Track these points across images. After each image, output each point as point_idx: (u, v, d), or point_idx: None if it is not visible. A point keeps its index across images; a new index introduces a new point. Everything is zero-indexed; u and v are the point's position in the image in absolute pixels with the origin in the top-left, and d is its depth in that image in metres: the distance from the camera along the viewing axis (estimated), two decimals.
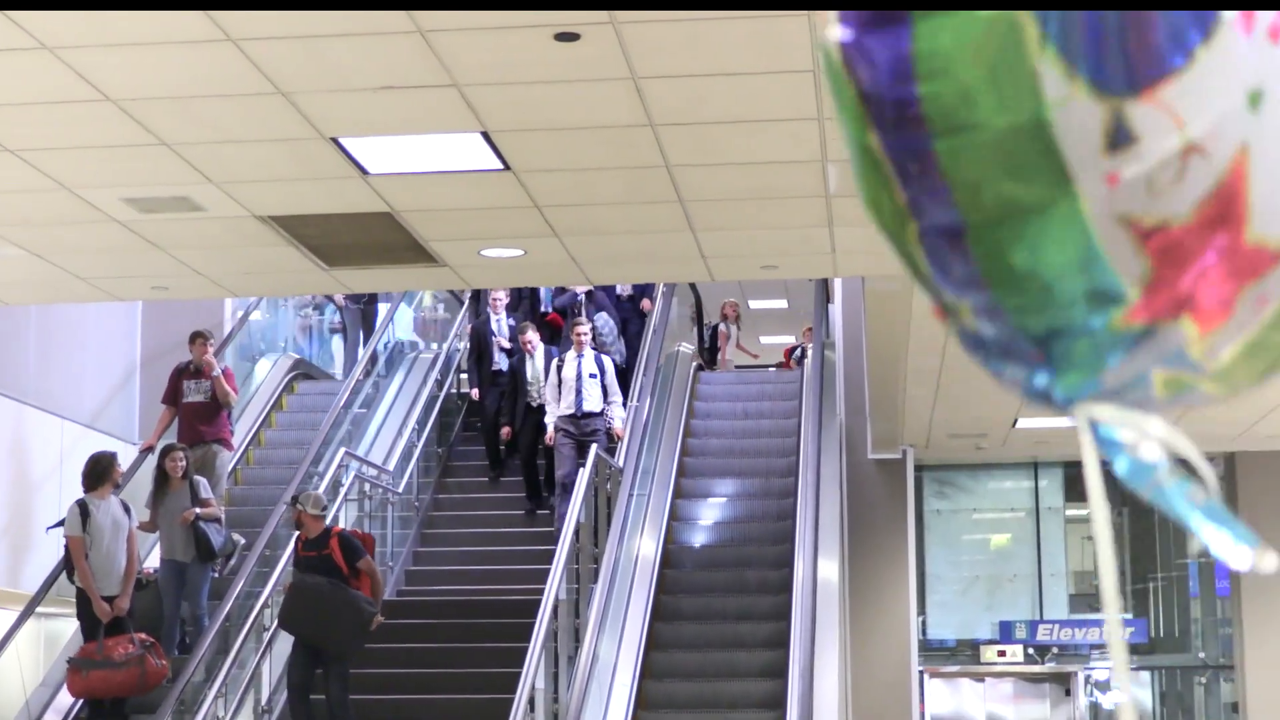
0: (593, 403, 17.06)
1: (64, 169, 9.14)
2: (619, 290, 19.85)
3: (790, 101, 8.05)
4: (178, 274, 11.41)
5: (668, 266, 11.98)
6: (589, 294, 19.26)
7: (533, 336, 17.95)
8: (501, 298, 18.77)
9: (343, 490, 15.86)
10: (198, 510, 14.27)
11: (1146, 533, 22.01)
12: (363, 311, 20.49)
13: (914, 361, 14.33)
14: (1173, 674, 21.48)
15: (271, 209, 9.90)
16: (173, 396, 15.92)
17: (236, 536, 14.75)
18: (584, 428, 16.98)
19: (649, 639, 14.38)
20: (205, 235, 10.45)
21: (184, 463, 14.50)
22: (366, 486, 16.44)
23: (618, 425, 17.07)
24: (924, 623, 20.72)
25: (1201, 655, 20.91)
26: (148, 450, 15.65)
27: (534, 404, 17.78)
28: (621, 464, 16.17)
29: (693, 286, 21.69)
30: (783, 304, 26.41)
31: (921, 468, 20.27)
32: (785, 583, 14.75)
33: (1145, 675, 21.60)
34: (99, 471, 13.73)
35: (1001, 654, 20.63)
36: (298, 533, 13.40)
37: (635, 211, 9.96)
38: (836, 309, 19.13)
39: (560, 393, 17.12)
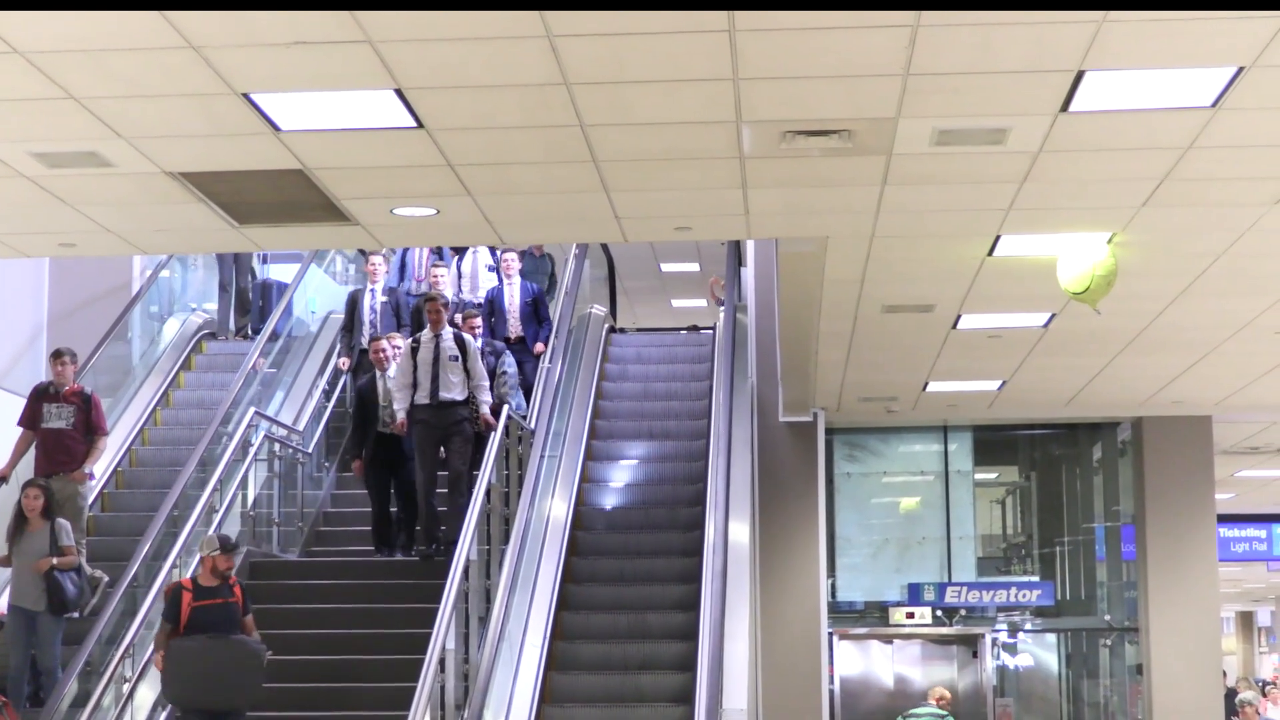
0: (453, 390, 15.03)
1: None
2: (509, 332, 18.02)
3: (706, 62, 8.03)
4: (86, 230, 11.28)
5: (581, 227, 11.95)
6: (489, 345, 16.76)
7: (387, 346, 15.81)
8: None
9: (252, 450, 15.79)
10: (55, 560, 13.26)
11: (1054, 497, 22.18)
12: (236, 258, 19.96)
13: (826, 325, 14.38)
14: (1079, 636, 21.66)
15: (182, 165, 9.81)
16: (31, 420, 14.57)
17: (98, 573, 13.75)
18: (445, 418, 14.99)
19: (560, 600, 14.39)
20: (114, 191, 10.33)
21: (41, 500, 13.50)
22: (276, 446, 16.35)
23: (486, 412, 15.07)
24: (833, 585, 20.84)
25: (1107, 618, 21.11)
26: (0, 480, 14.50)
27: (385, 430, 15.47)
28: (533, 426, 16.14)
29: (605, 249, 21.66)
30: (694, 267, 26.43)
31: (832, 431, 20.35)
32: (696, 545, 14.78)
33: (1051, 638, 21.78)
34: None
35: (910, 616, 20.76)
36: (187, 584, 12.23)
37: (549, 171, 9.92)
38: (749, 272, 19.16)
39: (416, 378, 15.08)
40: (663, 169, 9.87)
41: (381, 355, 15.76)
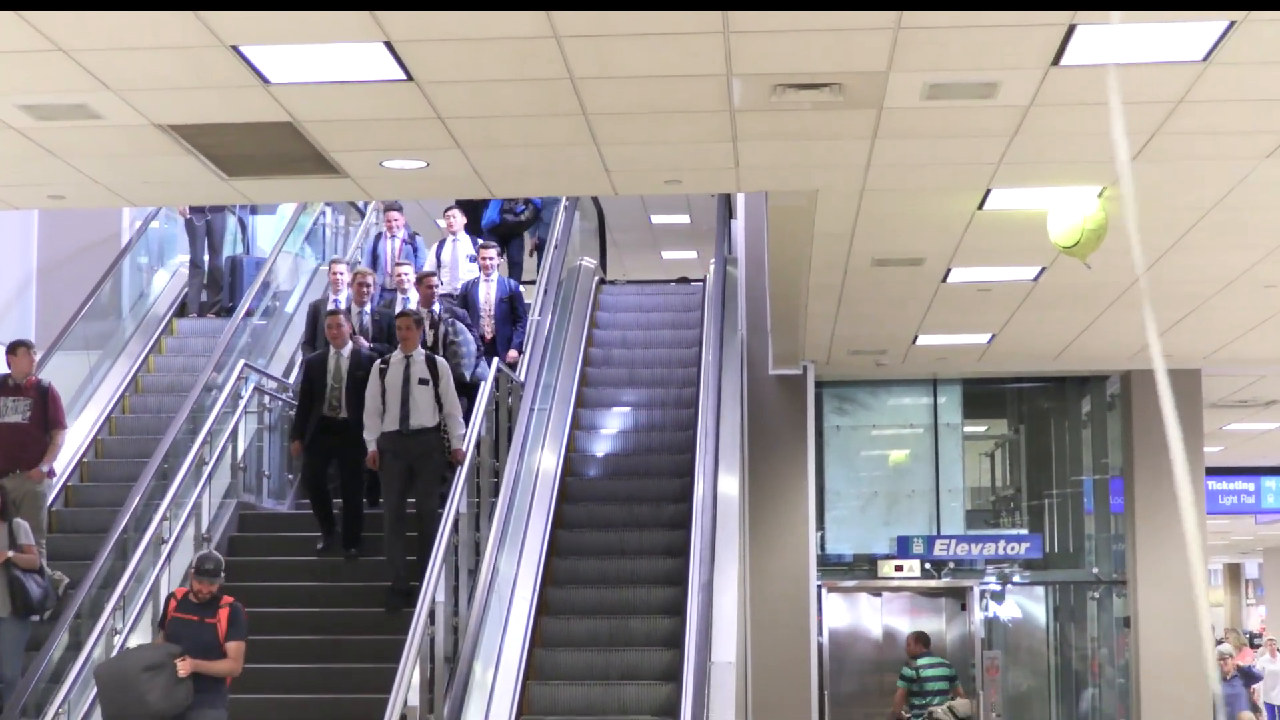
0: (424, 416, 13.95)
1: None
2: (483, 331, 16.92)
3: (696, 15, 8.01)
4: (75, 182, 11.26)
5: (571, 180, 11.93)
6: (450, 311, 16.22)
7: (345, 322, 14.91)
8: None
9: (241, 402, 15.78)
10: (10, 553, 12.66)
11: (1043, 451, 22.21)
12: (208, 225, 19.46)
13: (816, 278, 14.38)
14: (1066, 589, 21.72)
15: (171, 118, 9.78)
16: None
17: (58, 574, 13.14)
18: (412, 448, 13.96)
19: (549, 553, 14.40)
20: (103, 143, 10.31)
21: (0, 501, 12.91)
22: (265, 399, 16.35)
23: (457, 444, 13.99)
24: (822, 538, 20.87)
25: (1095, 571, 21.17)
26: None
27: (330, 414, 14.64)
28: (523, 379, 16.13)
29: (595, 201, 21.64)
30: (685, 219, 26.40)
31: (822, 384, 20.37)
32: (686, 497, 14.80)
33: (1039, 590, 21.84)
34: None
35: (899, 569, 20.79)
36: (179, 593, 11.68)
37: (538, 124, 9.90)
38: (739, 225, 19.15)
39: (384, 404, 14.06)
40: (653, 122, 9.86)
41: (337, 332, 14.79)
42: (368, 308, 15.67)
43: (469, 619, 12.90)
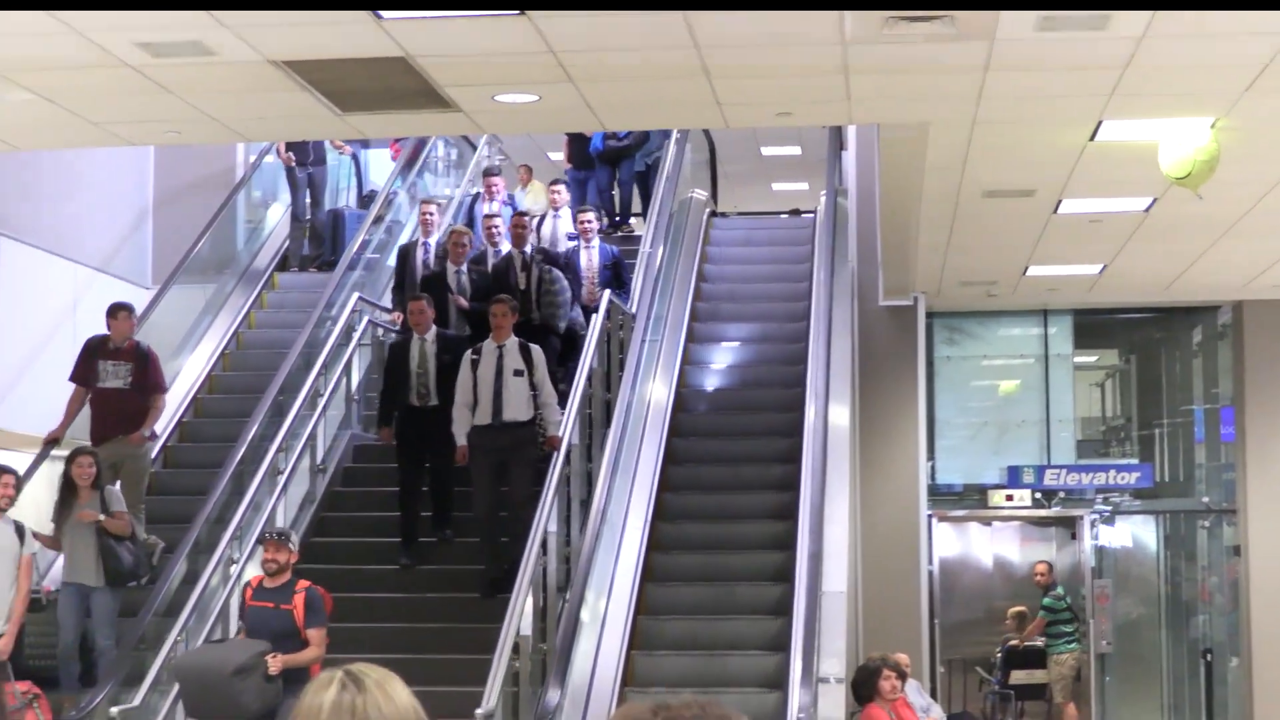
0: (517, 409, 13.30)
1: (75, 12, 9.09)
2: (584, 300, 16.02)
3: None
4: (190, 119, 11.38)
5: (682, 112, 11.95)
6: (543, 251, 15.83)
7: (429, 309, 14.20)
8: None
9: (356, 335, 15.93)
10: (101, 517, 12.48)
11: (1153, 380, 22.10)
12: (309, 178, 19.22)
13: (927, 210, 14.35)
14: (1177, 518, 21.63)
15: (284, 53, 9.86)
16: (84, 377, 13.75)
17: (153, 539, 13.06)
18: (505, 441, 13.25)
19: (661, 482, 14.47)
20: (218, 80, 10.41)
21: (94, 469, 12.65)
22: (380, 332, 16.49)
23: (553, 430, 13.36)
24: (933, 467, 20.86)
25: (1205, 500, 21.06)
26: (52, 442, 13.76)
27: (419, 404, 14.01)
28: (634, 310, 16.18)
29: (707, 133, 21.61)
30: (796, 150, 26.34)
31: (932, 314, 20.32)
32: (796, 427, 14.82)
33: (1149, 519, 21.76)
34: None
35: (1009, 498, 20.76)
36: (254, 581, 11.30)
37: (651, 57, 9.92)
38: (850, 156, 19.09)
39: (476, 395, 13.42)
40: (764, 54, 9.85)
41: (420, 319, 14.14)
42: (464, 266, 15.55)
43: (581, 549, 13.00)
